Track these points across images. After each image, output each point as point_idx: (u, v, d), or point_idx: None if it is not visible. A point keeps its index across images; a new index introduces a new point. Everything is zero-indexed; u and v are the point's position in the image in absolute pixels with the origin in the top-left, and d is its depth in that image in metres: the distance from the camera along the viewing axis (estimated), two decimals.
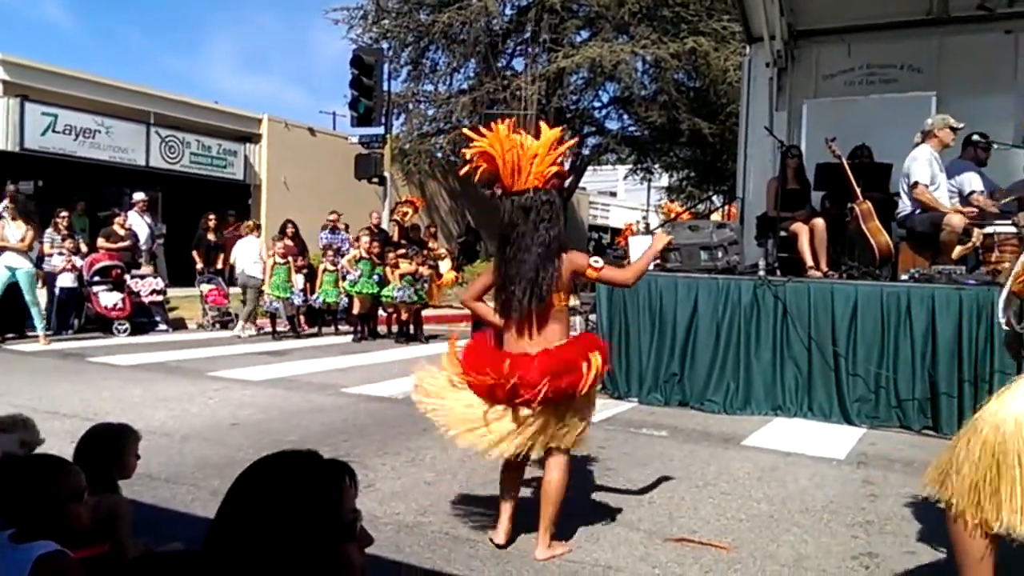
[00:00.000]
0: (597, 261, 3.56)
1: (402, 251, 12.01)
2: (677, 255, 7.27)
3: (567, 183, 20.87)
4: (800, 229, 7.61)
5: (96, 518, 2.28)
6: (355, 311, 11.49)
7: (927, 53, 9.27)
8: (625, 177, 33.34)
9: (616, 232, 29.64)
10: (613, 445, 5.41)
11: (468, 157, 3.60)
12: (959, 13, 9.11)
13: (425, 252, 12.69)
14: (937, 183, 7.02)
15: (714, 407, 6.72)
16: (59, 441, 3.20)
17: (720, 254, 7.24)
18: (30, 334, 9.98)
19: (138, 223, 12.87)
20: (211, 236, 13.71)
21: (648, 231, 14.68)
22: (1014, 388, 2.54)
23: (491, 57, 21.80)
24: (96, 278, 11.00)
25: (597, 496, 4.32)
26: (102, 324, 10.98)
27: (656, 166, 27.10)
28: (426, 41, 21.61)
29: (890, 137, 7.88)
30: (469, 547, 3.52)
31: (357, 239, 12.12)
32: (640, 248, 7.21)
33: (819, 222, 7.57)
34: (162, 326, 11.76)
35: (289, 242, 11.99)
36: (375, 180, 15.75)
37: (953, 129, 7.11)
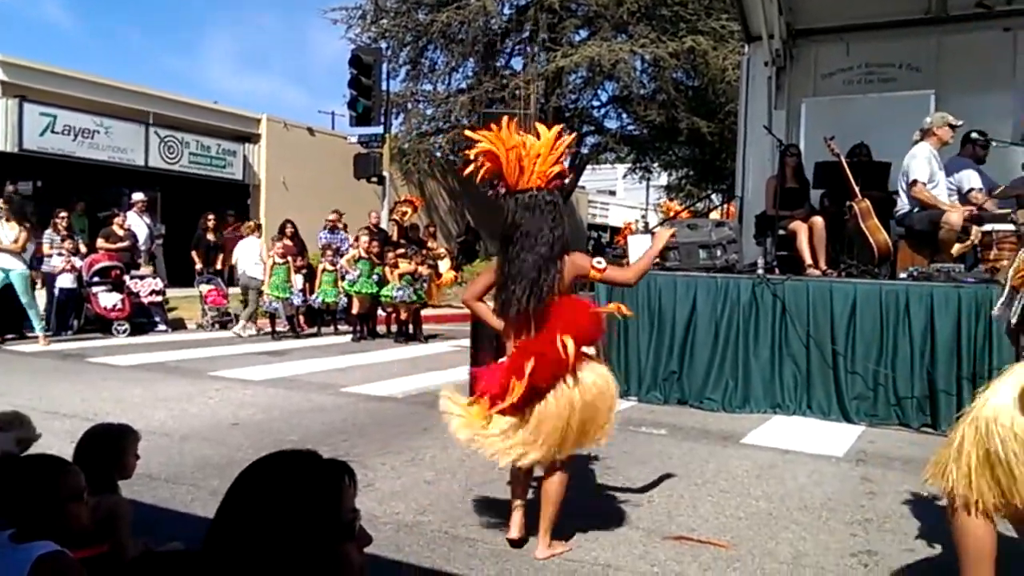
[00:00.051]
0: (600, 263, 3.56)
1: (401, 251, 12.02)
2: (676, 254, 7.28)
3: (566, 181, 20.84)
4: (799, 227, 7.62)
5: (96, 518, 2.29)
6: (354, 311, 11.50)
7: (925, 52, 9.28)
8: (624, 176, 33.33)
9: (615, 231, 29.64)
10: (612, 443, 5.35)
11: (471, 156, 3.60)
12: (957, 12, 9.12)
13: (424, 252, 12.69)
14: (936, 181, 7.03)
15: (713, 405, 6.73)
16: (59, 441, 3.21)
17: (719, 252, 7.24)
18: (29, 335, 9.98)
19: (137, 223, 12.87)
20: (210, 236, 13.71)
21: (647, 230, 14.69)
22: (1005, 376, 2.56)
23: (490, 56, 21.80)
24: (95, 279, 11.00)
25: (596, 495, 4.33)
26: (101, 324, 10.97)
27: (655, 165, 27.10)
28: (425, 40, 21.60)
29: (889, 135, 7.89)
30: (468, 546, 3.52)
31: (356, 239, 12.13)
32: (639, 247, 7.21)
33: (818, 220, 7.57)
34: (161, 326, 11.76)
35: (288, 242, 11.99)
36: (374, 180, 15.75)
37: (952, 127, 7.12)
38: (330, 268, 11.70)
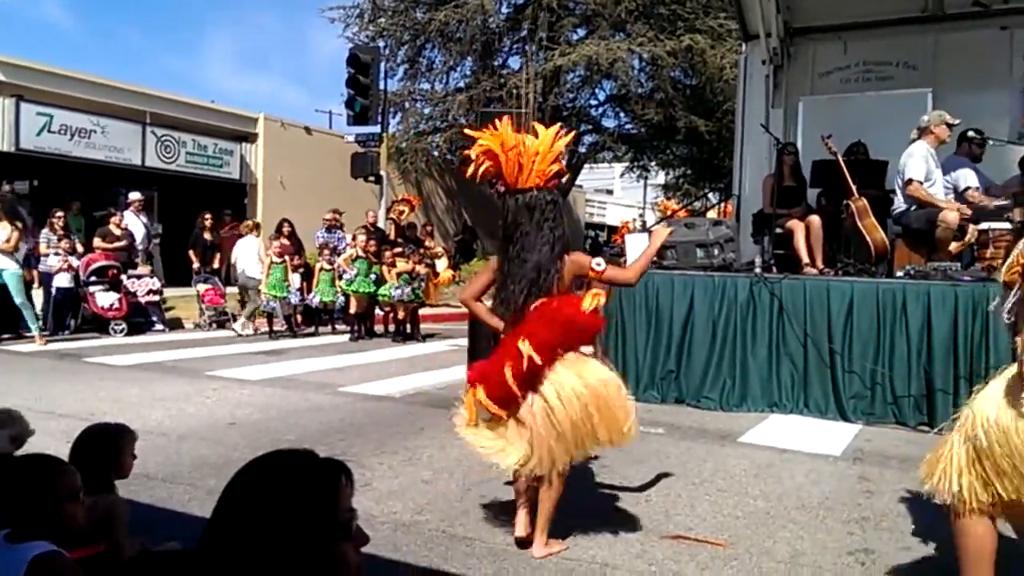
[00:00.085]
0: (599, 263, 3.56)
1: (399, 250, 12.01)
2: (673, 252, 7.28)
3: (564, 180, 20.85)
4: (796, 226, 7.62)
5: (92, 518, 2.29)
6: (352, 310, 11.49)
7: (923, 50, 9.29)
8: (621, 175, 33.34)
9: (612, 230, 29.65)
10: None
11: (472, 156, 3.60)
12: (954, 10, 9.13)
13: (422, 251, 12.68)
14: (933, 179, 7.03)
15: (710, 404, 6.73)
16: (55, 441, 3.21)
17: (716, 251, 7.24)
18: (26, 334, 9.96)
19: (134, 223, 12.86)
20: (207, 235, 13.69)
21: (644, 228, 14.70)
22: (998, 377, 2.56)
23: (487, 55, 21.79)
24: (92, 278, 10.99)
25: (593, 493, 4.33)
26: (98, 324, 10.96)
27: (652, 164, 27.10)
28: (422, 39, 21.58)
29: (886, 134, 7.89)
30: (466, 545, 3.52)
31: (354, 238, 12.12)
32: (636, 245, 7.20)
33: (815, 219, 7.58)
34: (159, 326, 11.75)
35: (285, 241, 11.98)
36: (371, 179, 15.73)
37: (949, 125, 7.12)
38: (327, 267, 11.69)
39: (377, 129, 15.71)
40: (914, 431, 6.04)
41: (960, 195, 7.16)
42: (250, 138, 20.10)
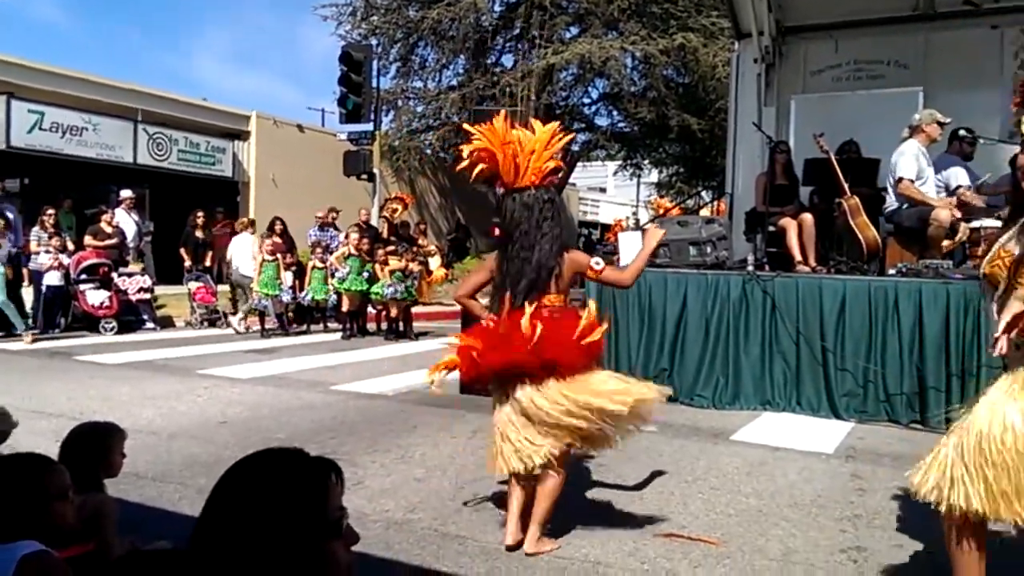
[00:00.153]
0: (598, 263, 3.57)
1: (391, 248, 11.99)
2: (666, 251, 7.28)
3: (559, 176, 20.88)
4: (788, 224, 7.63)
5: (81, 517, 2.27)
6: (344, 308, 11.47)
7: (914, 49, 9.32)
8: (615, 173, 33.35)
9: (605, 228, 29.67)
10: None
11: (467, 154, 3.58)
12: (945, 9, 9.16)
13: (415, 249, 12.67)
14: (924, 178, 7.05)
15: (703, 402, 6.73)
16: (45, 440, 3.19)
17: (709, 249, 7.25)
18: (17, 333, 9.92)
19: (125, 221, 12.80)
20: (199, 233, 13.66)
21: (638, 227, 14.69)
22: (997, 386, 2.56)
23: (480, 53, 21.77)
24: (83, 276, 10.94)
25: (586, 492, 4.33)
26: (89, 322, 10.92)
27: (645, 162, 27.15)
28: (415, 37, 21.55)
29: (877, 132, 7.91)
30: (458, 544, 3.52)
31: (346, 236, 12.10)
32: (629, 244, 7.22)
33: (807, 217, 7.59)
34: (150, 324, 11.70)
35: (277, 239, 11.95)
36: (364, 177, 15.71)
37: (940, 124, 7.15)
38: (320, 265, 11.67)
39: (370, 127, 15.70)
40: (906, 429, 6.06)
41: (951, 193, 7.18)
42: (242, 136, 20.04)
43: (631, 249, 7.10)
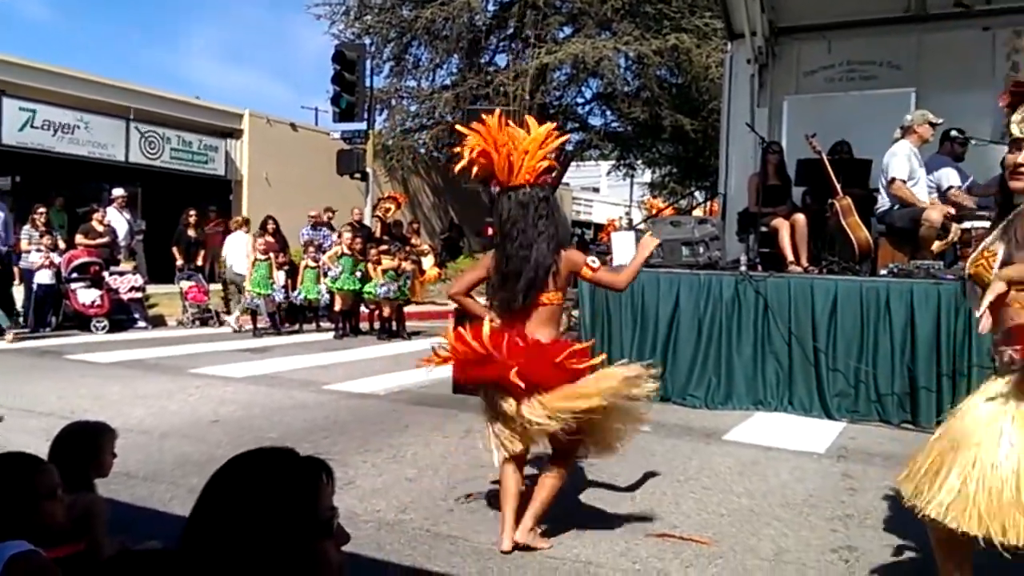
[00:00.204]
0: (594, 262, 3.58)
1: (384, 247, 11.97)
2: (659, 250, 7.27)
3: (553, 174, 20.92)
4: (781, 224, 7.65)
5: (72, 517, 2.26)
6: (337, 308, 11.44)
7: (906, 50, 9.35)
8: (608, 173, 33.38)
9: (599, 228, 29.72)
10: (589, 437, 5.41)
11: (464, 154, 3.57)
12: (937, 10, 9.19)
13: (408, 248, 12.65)
14: (916, 178, 7.08)
15: (696, 402, 6.74)
16: (35, 439, 3.18)
17: (702, 250, 7.26)
18: (17, 332, 9.87)
19: (117, 219, 12.76)
20: (191, 232, 13.60)
21: (631, 227, 14.74)
22: (981, 391, 2.56)
23: (474, 53, 21.76)
24: (74, 275, 10.89)
25: (578, 491, 4.32)
26: (80, 321, 10.87)
27: (639, 162, 27.15)
28: (409, 37, 21.52)
29: (870, 133, 7.94)
30: (450, 544, 3.51)
31: (339, 235, 12.08)
32: (622, 244, 7.23)
33: (800, 218, 7.61)
34: (141, 323, 11.66)
35: (270, 238, 11.92)
36: (357, 176, 15.68)
37: (932, 125, 7.17)
38: (312, 264, 11.64)
39: (363, 126, 15.67)
40: (898, 428, 6.07)
41: (943, 194, 7.21)
42: (235, 134, 19.99)
43: (624, 249, 7.12)
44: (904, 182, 6.97)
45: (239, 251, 12.10)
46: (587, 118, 24.03)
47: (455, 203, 24.47)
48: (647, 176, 31.10)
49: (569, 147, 23.70)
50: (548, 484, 3.48)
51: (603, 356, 3.57)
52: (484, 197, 18.64)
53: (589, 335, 7.20)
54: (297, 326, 12.10)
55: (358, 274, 11.30)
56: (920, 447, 2.68)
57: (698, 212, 16.67)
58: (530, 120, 3.60)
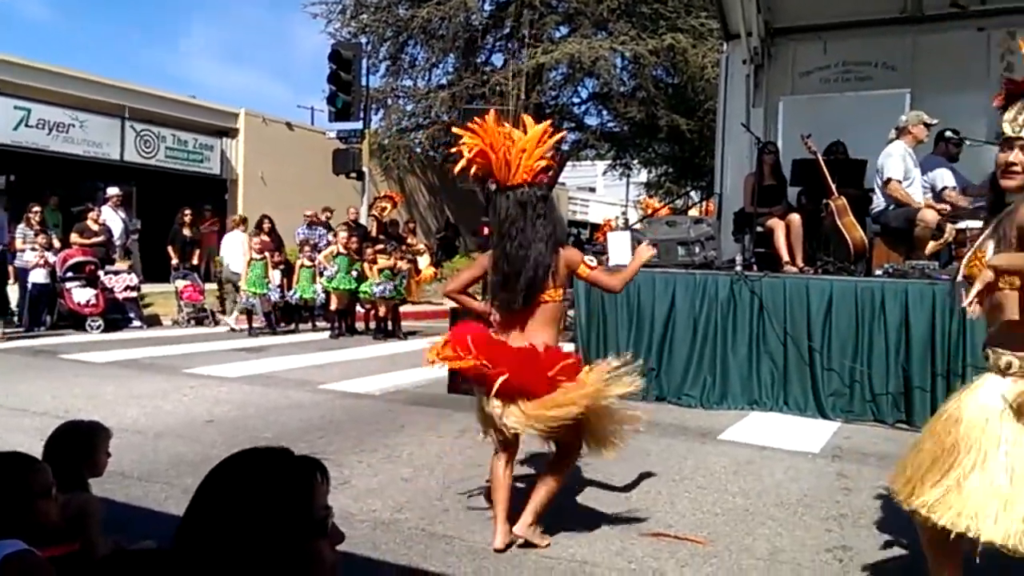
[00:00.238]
0: (592, 260, 3.59)
1: (380, 247, 11.96)
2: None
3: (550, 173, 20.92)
4: (776, 225, 7.66)
5: (66, 516, 2.26)
6: (332, 307, 11.44)
7: (901, 51, 9.37)
8: (604, 173, 33.36)
9: (595, 227, 29.71)
10: (588, 438, 5.41)
11: (463, 154, 3.57)
12: (933, 11, 9.21)
13: (404, 247, 12.64)
14: (911, 179, 7.10)
15: (691, 401, 6.75)
16: (29, 439, 3.17)
17: (697, 249, 7.27)
18: (6, 331, 9.84)
19: (112, 218, 12.73)
20: (186, 231, 13.58)
21: (627, 226, 14.73)
22: (972, 389, 2.57)
23: (470, 52, 21.75)
24: (69, 274, 10.87)
25: (573, 490, 4.32)
26: (75, 321, 10.84)
27: (635, 162, 27.16)
28: (405, 36, 21.48)
29: (865, 134, 7.96)
30: (445, 543, 3.51)
31: (335, 234, 12.07)
32: (618, 243, 7.23)
33: (795, 218, 7.62)
34: (136, 323, 11.64)
35: (265, 237, 11.91)
36: (353, 175, 15.68)
37: (927, 125, 7.19)
38: (308, 264, 11.63)
39: (359, 125, 15.66)
40: (892, 428, 6.09)
41: (938, 195, 7.23)
42: (231, 133, 19.94)
43: (620, 248, 7.12)
44: (899, 182, 6.99)
45: (236, 250, 12.09)
46: (583, 118, 24.04)
47: (451, 202, 24.45)
48: (643, 176, 31.11)
49: (565, 147, 23.71)
50: (549, 480, 3.49)
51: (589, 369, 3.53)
52: (480, 197, 18.63)
53: (585, 335, 7.22)
54: (293, 326, 12.08)
55: (354, 273, 11.29)
56: (912, 446, 2.69)
57: (694, 212, 16.67)
58: (527, 119, 3.60)
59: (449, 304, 3.91)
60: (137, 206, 16.83)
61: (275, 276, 11.68)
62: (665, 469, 4.81)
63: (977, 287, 2.40)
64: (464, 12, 20.40)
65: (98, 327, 10.76)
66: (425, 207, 24.90)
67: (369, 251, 11.50)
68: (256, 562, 1.24)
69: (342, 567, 1.38)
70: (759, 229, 7.89)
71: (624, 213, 31.24)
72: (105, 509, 2.70)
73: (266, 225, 12.42)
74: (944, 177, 7.32)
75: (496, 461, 3.51)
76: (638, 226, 9.55)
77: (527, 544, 3.44)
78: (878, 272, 6.84)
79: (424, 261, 13.58)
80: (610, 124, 23.84)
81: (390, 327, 11.52)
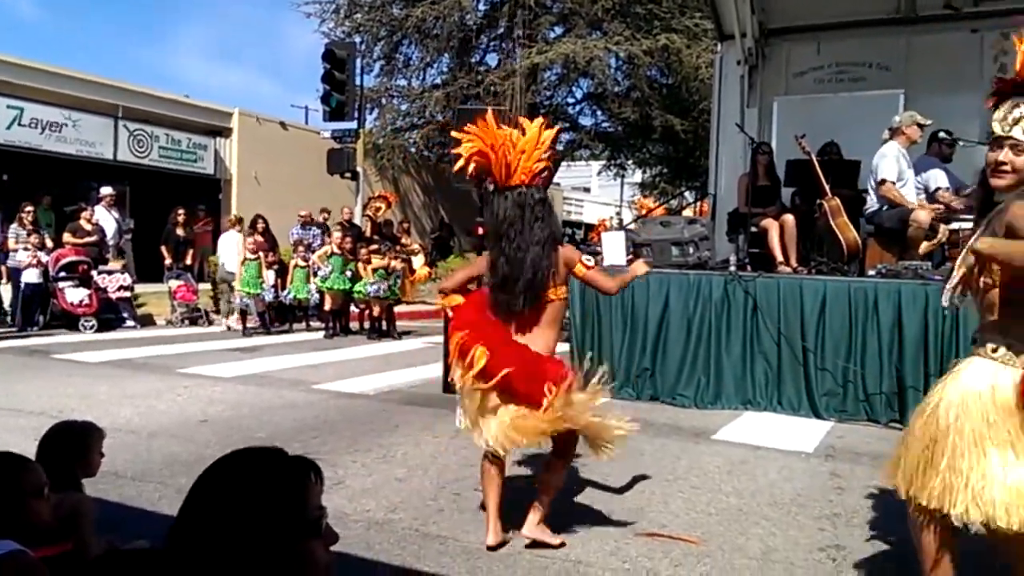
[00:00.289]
0: (589, 260, 3.60)
1: (374, 247, 11.95)
2: (649, 251, 7.31)
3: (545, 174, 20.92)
4: (770, 225, 7.68)
5: (59, 516, 2.25)
6: (327, 307, 11.42)
7: (895, 52, 9.41)
8: (599, 173, 33.45)
9: (589, 228, 29.73)
10: (584, 440, 5.41)
11: (461, 154, 3.57)
12: (926, 12, 9.25)
13: (398, 247, 12.63)
14: (905, 179, 7.12)
15: (685, 401, 6.76)
16: (23, 439, 3.16)
17: (691, 250, 7.28)
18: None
19: (105, 218, 12.69)
20: (180, 231, 13.55)
21: (622, 226, 14.75)
22: (955, 372, 2.59)
23: (465, 52, 21.74)
24: (62, 274, 10.83)
25: (567, 490, 4.32)
26: (68, 320, 10.81)
27: (629, 162, 27.18)
28: (399, 35, 21.48)
29: (858, 134, 7.98)
30: (439, 543, 3.51)
31: (329, 234, 12.05)
32: (612, 243, 7.24)
33: (789, 218, 7.64)
34: (130, 322, 11.61)
35: (259, 237, 11.88)
36: (348, 175, 15.65)
37: (920, 126, 7.22)
38: (302, 264, 11.61)
39: (354, 125, 15.64)
40: (885, 428, 6.10)
41: (931, 195, 7.25)
42: (224, 133, 19.91)
43: (614, 249, 7.13)
44: (893, 183, 7.01)
45: (232, 250, 12.06)
46: (578, 118, 24.06)
47: (446, 202, 24.44)
48: (637, 176, 31.16)
49: (560, 147, 23.72)
50: (550, 481, 3.50)
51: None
52: (475, 197, 18.64)
53: (579, 334, 7.22)
54: (287, 325, 12.07)
55: (348, 273, 11.28)
56: (900, 440, 2.70)
57: (688, 212, 16.71)
58: (524, 121, 3.60)
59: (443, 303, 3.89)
60: (130, 206, 16.78)
61: (269, 276, 11.66)
62: (659, 469, 4.81)
63: (960, 271, 2.41)
64: (458, 12, 20.40)
65: (91, 327, 10.73)
66: (420, 207, 24.89)
67: (363, 251, 11.49)
68: (250, 562, 1.24)
69: (336, 567, 1.38)
70: (753, 229, 7.91)
71: (619, 213, 31.32)
72: (98, 509, 2.69)
73: (260, 225, 12.38)
74: (937, 178, 7.34)
75: (487, 459, 3.51)
76: (632, 226, 9.56)
77: (538, 544, 3.42)
78: (871, 272, 6.86)
79: (418, 261, 13.55)
80: (604, 124, 23.86)
81: (384, 327, 11.51)
